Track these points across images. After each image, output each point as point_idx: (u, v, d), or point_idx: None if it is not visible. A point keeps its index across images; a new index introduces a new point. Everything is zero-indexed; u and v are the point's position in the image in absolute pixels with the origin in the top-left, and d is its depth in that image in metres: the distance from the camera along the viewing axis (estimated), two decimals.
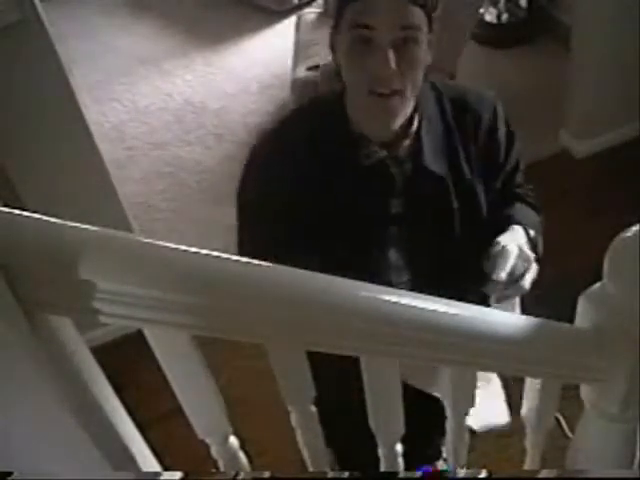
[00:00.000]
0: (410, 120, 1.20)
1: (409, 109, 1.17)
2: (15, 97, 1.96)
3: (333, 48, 1.18)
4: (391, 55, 1.06)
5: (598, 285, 0.98)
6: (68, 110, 2.06)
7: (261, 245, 1.20)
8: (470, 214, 1.24)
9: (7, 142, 2.01)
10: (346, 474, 1.00)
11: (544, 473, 1.15)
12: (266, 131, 1.29)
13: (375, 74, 1.08)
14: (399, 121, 1.16)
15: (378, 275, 1.26)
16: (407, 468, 1.11)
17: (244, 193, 1.28)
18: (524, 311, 1.11)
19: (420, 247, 1.27)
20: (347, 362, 0.90)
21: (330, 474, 1.17)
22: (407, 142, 1.21)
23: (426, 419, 1.25)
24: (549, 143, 2.96)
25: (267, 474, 1.06)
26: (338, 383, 1.14)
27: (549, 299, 1.41)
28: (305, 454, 1.11)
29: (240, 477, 0.99)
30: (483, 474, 1.06)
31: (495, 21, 3.57)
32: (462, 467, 1.23)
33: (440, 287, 1.00)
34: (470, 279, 1.18)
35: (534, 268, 1.17)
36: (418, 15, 1.07)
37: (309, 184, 1.20)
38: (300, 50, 3.01)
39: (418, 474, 0.96)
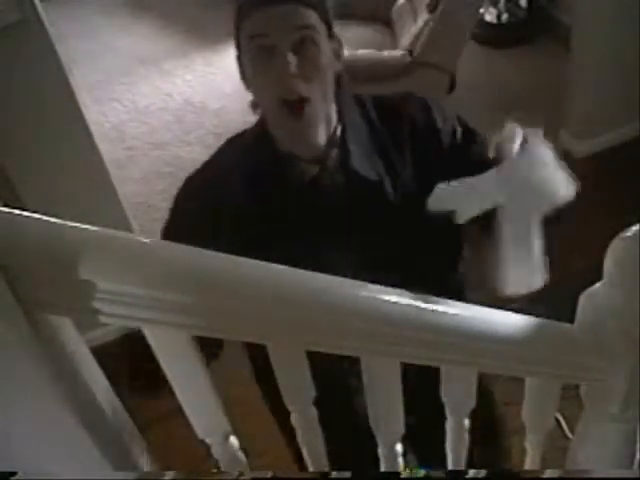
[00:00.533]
0: (334, 130, 1.17)
1: (326, 117, 1.14)
2: (15, 97, 1.96)
3: (243, 74, 1.18)
4: (291, 58, 1.06)
5: (598, 285, 0.98)
6: (68, 110, 2.06)
7: None
8: (418, 211, 1.19)
9: (7, 142, 2.01)
10: (346, 474, 1.00)
11: (544, 473, 1.15)
12: (202, 166, 1.29)
13: (279, 80, 1.07)
14: (321, 132, 1.13)
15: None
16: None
17: (172, 226, 1.30)
18: (524, 311, 1.11)
19: (378, 252, 1.21)
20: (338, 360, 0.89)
21: (330, 474, 1.17)
22: (335, 152, 1.18)
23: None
24: (549, 143, 2.96)
25: (267, 474, 1.05)
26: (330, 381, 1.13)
27: (549, 299, 1.41)
28: (305, 454, 1.11)
29: (240, 477, 0.99)
30: (484, 474, 1.06)
31: (495, 21, 3.57)
32: (462, 467, 1.23)
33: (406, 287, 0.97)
34: (434, 274, 1.15)
35: None
36: (312, 16, 1.08)
37: (246, 213, 1.18)
38: None
39: (420, 473, 0.96)
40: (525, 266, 0.98)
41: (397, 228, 1.19)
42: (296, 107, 1.09)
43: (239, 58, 1.18)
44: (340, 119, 1.18)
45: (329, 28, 1.13)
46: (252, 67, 1.12)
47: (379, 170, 1.19)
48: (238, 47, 1.16)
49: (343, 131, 1.18)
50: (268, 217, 1.18)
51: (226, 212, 1.19)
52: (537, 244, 0.98)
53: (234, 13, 1.16)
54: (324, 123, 1.14)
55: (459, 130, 1.23)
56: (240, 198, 1.19)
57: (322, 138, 1.14)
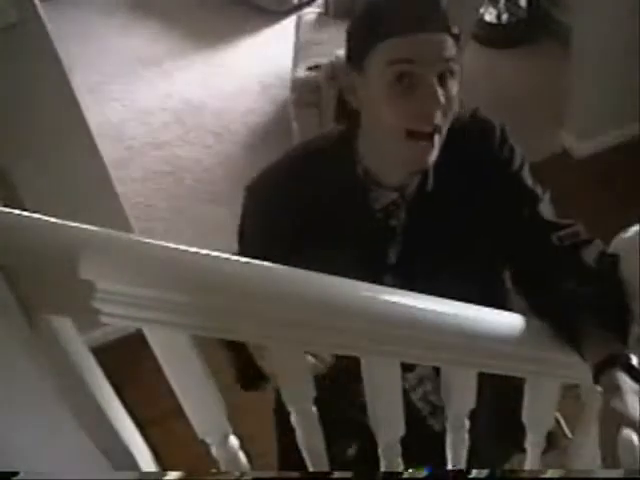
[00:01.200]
0: None
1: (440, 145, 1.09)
2: (15, 97, 1.96)
3: (350, 89, 1.09)
4: (439, 89, 1.01)
5: None
6: (68, 110, 2.06)
7: None
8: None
9: (7, 142, 2.01)
10: (346, 474, 1.00)
11: (544, 473, 1.15)
12: (268, 169, 1.22)
13: (421, 111, 1.02)
14: (432, 161, 1.07)
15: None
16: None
17: (243, 235, 1.24)
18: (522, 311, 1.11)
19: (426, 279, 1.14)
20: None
21: (330, 474, 1.17)
22: (417, 178, 1.15)
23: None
24: (549, 143, 2.96)
25: (267, 474, 1.06)
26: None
27: None
28: (305, 454, 1.11)
29: (241, 477, 0.99)
30: (484, 474, 1.06)
31: (495, 21, 3.57)
32: (462, 467, 1.23)
33: None
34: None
35: None
36: (454, 47, 1.03)
37: (312, 228, 1.14)
38: (300, 50, 3.01)
39: (422, 474, 0.96)
40: None
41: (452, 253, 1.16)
42: (427, 137, 1.04)
43: (353, 76, 1.08)
44: None
45: (459, 50, 1.07)
46: (387, 91, 1.02)
47: (447, 200, 1.15)
48: (359, 65, 1.05)
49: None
50: (332, 238, 1.14)
51: (295, 220, 1.15)
52: None
53: (363, 31, 1.05)
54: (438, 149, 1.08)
55: (515, 165, 1.16)
56: (311, 211, 1.14)
57: (432, 162, 1.09)
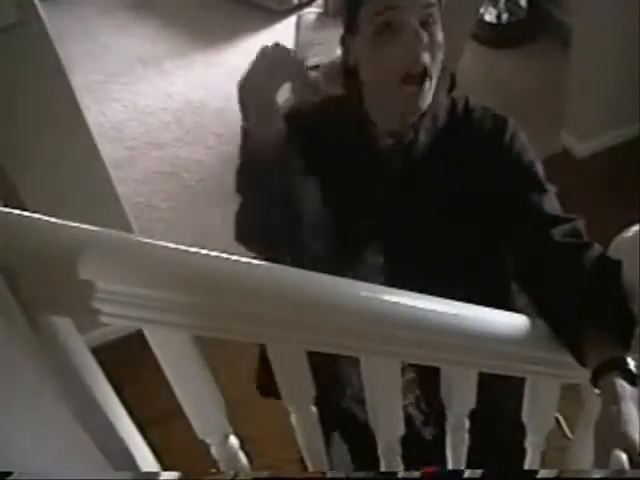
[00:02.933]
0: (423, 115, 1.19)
1: (432, 92, 1.16)
2: (15, 97, 1.96)
3: (347, 50, 1.17)
4: (422, 31, 1.07)
5: None
6: (68, 110, 2.06)
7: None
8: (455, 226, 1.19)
9: (7, 142, 2.01)
10: (346, 474, 1.00)
11: (544, 473, 1.15)
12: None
13: (408, 52, 1.08)
14: (425, 106, 1.15)
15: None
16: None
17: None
18: (522, 311, 1.11)
19: (409, 250, 1.23)
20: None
21: (330, 474, 1.17)
22: (411, 134, 1.20)
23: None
24: (549, 143, 2.96)
25: (267, 474, 1.06)
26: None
27: None
28: (305, 454, 1.11)
29: (240, 477, 0.99)
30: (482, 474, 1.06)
31: (495, 21, 3.57)
32: (462, 467, 1.23)
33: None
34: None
35: None
36: None
37: (317, 164, 1.18)
38: (300, 50, 3.01)
39: (417, 474, 0.96)
40: None
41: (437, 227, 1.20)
42: (418, 80, 1.10)
43: (347, 36, 1.17)
44: (430, 105, 1.17)
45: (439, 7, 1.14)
46: (374, 41, 1.10)
47: (438, 165, 1.20)
48: (351, 25, 1.14)
49: (423, 117, 1.19)
50: (334, 175, 1.19)
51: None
52: None
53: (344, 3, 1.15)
54: (430, 99, 1.15)
55: (525, 163, 1.19)
56: (317, 152, 1.20)
57: (424, 108, 1.15)
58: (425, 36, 1.08)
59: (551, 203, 1.16)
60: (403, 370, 1.26)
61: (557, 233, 1.09)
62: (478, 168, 1.18)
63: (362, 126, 1.22)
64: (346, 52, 1.18)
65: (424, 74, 1.10)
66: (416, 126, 1.19)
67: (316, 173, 1.16)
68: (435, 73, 1.12)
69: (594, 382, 0.89)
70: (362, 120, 1.22)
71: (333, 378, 1.27)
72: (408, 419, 1.25)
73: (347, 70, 1.20)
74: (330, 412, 1.15)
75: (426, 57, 1.09)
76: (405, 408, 1.30)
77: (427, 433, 1.32)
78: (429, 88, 1.12)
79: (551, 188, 1.18)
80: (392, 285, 0.89)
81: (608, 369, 0.88)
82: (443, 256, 1.19)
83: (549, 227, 1.10)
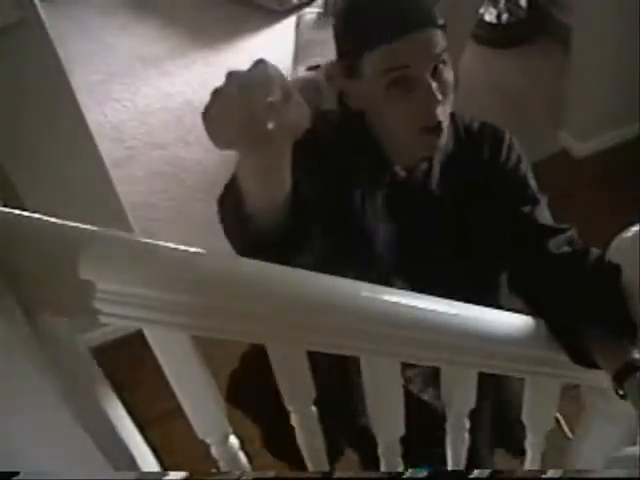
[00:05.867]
0: None
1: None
2: (15, 97, 1.96)
3: (347, 93, 1.10)
4: (435, 87, 1.02)
5: None
6: (68, 110, 2.06)
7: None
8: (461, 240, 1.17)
9: (7, 142, 2.01)
10: (346, 474, 1.00)
11: (544, 473, 1.15)
12: None
13: (424, 109, 1.03)
14: (441, 147, 1.11)
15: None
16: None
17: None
18: (522, 311, 1.11)
19: (427, 275, 1.16)
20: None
21: (330, 474, 1.17)
22: (425, 165, 1.16)
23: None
24: (549, 143, 2.96)
25: (267, 474, 1.06)
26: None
27: None
28: (305, 454, 1.11)
29: (240, 477, 0.99)
30: (484, 474, 1.06)
31: (495, 21, 3.57)
32: (462, 467, 1.23)
33: None
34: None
35: None
36: (443, 38, 1.03)
37: (325, 188, 1.11)
38: (300, 50, 3.01)
39: (422, 474, 0.96)
40: None
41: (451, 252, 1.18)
42: (435, 130, 1.06)
43: (346, 79, 1.07)
44: None
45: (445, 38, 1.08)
46: (386, 97, 1.03)
47: (449, 188, 1.17)
48: (351, 69, 1.05)
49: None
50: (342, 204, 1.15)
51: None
52: None
53: (349, 40, 1.04)
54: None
55: (522, 171, 1.18)
56: (325, 175, 1.13)
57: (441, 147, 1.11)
58: (439, 91, 1.02)
59: (544, 215, 1.15)
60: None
61: (553, 245, 1.08)
62: (480, 184, 1.16)
63: (374, 161, 1.16)
64: (346, 95, 1.11)
65: (439, 126, 1.05)
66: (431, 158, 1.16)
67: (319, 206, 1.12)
68: (448, 112, 1.08)
69: (618, 385, 0.90)
70: (373, 156, 1.15)
71: (346, 395, 1.26)
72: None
73: (347, 109, 1.13)
74: (346, 429, 1.13)
75: (441, 110, 1.04)
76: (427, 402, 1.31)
77: (428, 396, 1.33)
78: (445, 131, 1.08)
79: (542, 197, 1.17)
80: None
81: (630, 370, 0.89)
82: (442, 268, 1.17)
83: (545, 239, 1.09)
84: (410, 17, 1.00)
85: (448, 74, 1.05)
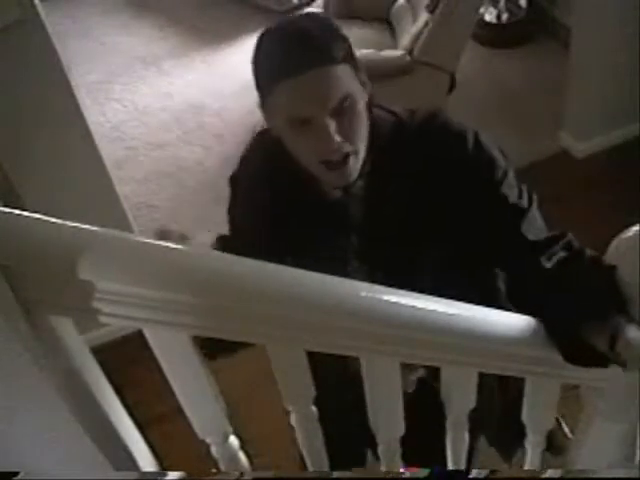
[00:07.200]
0: (364, 163, 1.09)
1: (362, 159, 1.08)
2: (15, 97, 1.96)
3: (266, 118, 1.10)
4: (332, 128, 1.00)
5: None
6: (68, 110, 2.06)
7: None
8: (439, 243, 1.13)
9: (7, 142, 2.01)
10: (346, 474, 1.00)
11: (545, 473, 1.15)
12: (243, 160, 1.27)
13: (321, 146, 1.02)
14: (355, 176, 1.08)
15: None
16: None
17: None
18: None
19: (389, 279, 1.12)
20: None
21: (330, 474, 1.17)
22: (360, 182, 1.11)
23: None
24: (549, 143, 2.96)
25: (267, 474, 1.06)
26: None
27: None
28: (305, 454, 1.11)
29: (241, 477, 0.99)
30: (484, 474, 1.06)
31: (495, 21, 3.57)
32: (462, 467, 1.23)
33: None
34: None
35: None
36: (346, 77, 1.00)
37: (270, 214, 1.17)
38: None
39: (424, 473, 0.96)
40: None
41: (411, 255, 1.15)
42: (339, 163, 1.04)
43: (262, 97, 1.07)
44: (371, 149, 1.10)
45: (356, 66, 1.04)
46: (287, 132, 1.05)
47: (401, 196, 1.13)
48: (263, 101, 1.06)
49: (373, 161, 1.11)
50: (288, 226, 1.16)
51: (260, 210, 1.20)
52: None
53: (255, 76, 1.05)
54: (359, 166, 1.08)
55: (497, 177, 1.09)
56: (267, 200, 1.18)
57: (353, 179, 1.09)
58: (336, 132, 1.00)
59: (534, 225, 1.09)
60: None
61: (546, 259, 1.04)
62: (444, 188, 1.09)
63: (308, 182, 1.14)
64: (267, 121, 1.11)
65: (345, 158, 1.04)
66: (365, 173, 1.11)
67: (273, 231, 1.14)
68: (360, 146, 1.05)
69: (613, 352, 0.90)
70: (308, 178, 1.12)
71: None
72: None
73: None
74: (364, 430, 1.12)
75: (342, 145, 1.02)
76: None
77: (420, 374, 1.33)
78: (355, 162, 1.06)
79: (531, 203, 1.10)
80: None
81: (617, 335, 0.89)
82: (428, 276, 1.14)
83: (537, 255, 1.05)
84: (298, 58, 0.98)
85: (354, 114, 1.02)
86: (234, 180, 1.27)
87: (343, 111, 1.01)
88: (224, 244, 1.17)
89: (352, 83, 1.02)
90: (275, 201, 1.18)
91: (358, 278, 0.99)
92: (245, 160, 1.25)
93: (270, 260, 0.78)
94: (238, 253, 0.77)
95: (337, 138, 1.01)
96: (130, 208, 2.52)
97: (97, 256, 0.68)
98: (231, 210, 1.28)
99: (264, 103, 1.07)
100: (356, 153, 1.05)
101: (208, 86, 3.66)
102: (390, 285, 0.87)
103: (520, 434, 1.28)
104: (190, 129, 3.40)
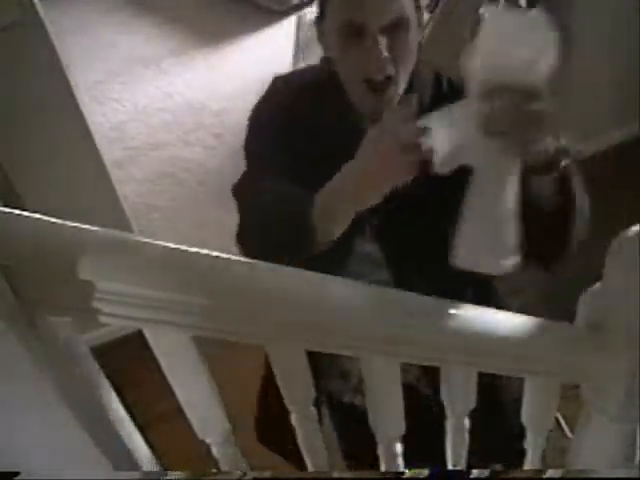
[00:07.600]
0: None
1: (401, 92, 1.11)
2: (15, 97, 1.96)
3: (320, 34, 1.14)
4: (382, 41, 1.03)
5: (599, 285, 0.98)
6: (68, 110, 2.06)
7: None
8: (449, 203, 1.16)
9: (7, 142, 2.01)
10: (346, 474, 1.00)
11: (544, 473, 1.15)
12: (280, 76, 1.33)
13: (367, 60, 1.05)
14: (390, 106, 1.10)
15: (354, 270, 1.22)
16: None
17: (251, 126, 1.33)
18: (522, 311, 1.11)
19: (401, 238, 1.19)
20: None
21: (330, 474, 1.17)
22: None
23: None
24: (549, 143, 2.96)
25: (267, 474, 1.06)
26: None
27: (548, 298, 1.40)
28: (305, 454, 1.11)
29: (241, 477, 0.99)
30: (484, 474, 1.06)
31: None
32: (462, 467, 1.23)
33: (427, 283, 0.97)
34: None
35: None
36: (405, 3, 1.05)
37: (304, 135, 1.19)
38: (300, 49, 3.01)
39: (425, 473, 0.96)
40: (482, 242, 0.90)
41: (427, 216, 1.15)
42: (380, 87, 1.07)
43: (318, 21, 1.13)
44: (411, 86, 1.13)
45: (417, 1, 1.09)
46: (338, 42, 1.08)
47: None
48: (321, 11, 1.10)
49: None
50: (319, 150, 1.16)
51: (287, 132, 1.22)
52: (508, 224, 0.89)
53: None
54: (398, 96, 1.10)
55: None
56: (304, 123, 1.20)
57: (390, 106, 1.10)
58: (385, 47, 1.03)
59: None
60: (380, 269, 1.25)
61: None
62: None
63: (344, 109, 1.17)
64: (319, 35, 1.15)
65: (387, 82, 1.06)
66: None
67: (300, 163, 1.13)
68: (402, 76, 1.08)
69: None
70: (344, 104, 1.16)
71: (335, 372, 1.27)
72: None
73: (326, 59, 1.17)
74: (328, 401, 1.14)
75: (387, 66, 1.05)
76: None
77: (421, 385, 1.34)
78: (394, 93, 1.09)
79: None
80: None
81: None
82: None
83: None
84: None
85: (405, 38, 1.06)
86: (252, 120, 1.32)
87: (396, 32, 1.04)
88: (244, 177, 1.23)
89: (410, 7, 1.06)
90: (293, 133, 1.20)
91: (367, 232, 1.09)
92: (264, 102, 1.31)
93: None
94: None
95: (385, 53, 1.03)
96: (130, 208, 2.52)
97: (97, 256, 0.68)
98: (247, 145, 1.32)
99: (321, 13, 1.10)
100: (397, 82, 1.08)
101: (208, 86, 3.66)
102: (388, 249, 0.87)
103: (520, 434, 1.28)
104: (190, 129, 3.40)
